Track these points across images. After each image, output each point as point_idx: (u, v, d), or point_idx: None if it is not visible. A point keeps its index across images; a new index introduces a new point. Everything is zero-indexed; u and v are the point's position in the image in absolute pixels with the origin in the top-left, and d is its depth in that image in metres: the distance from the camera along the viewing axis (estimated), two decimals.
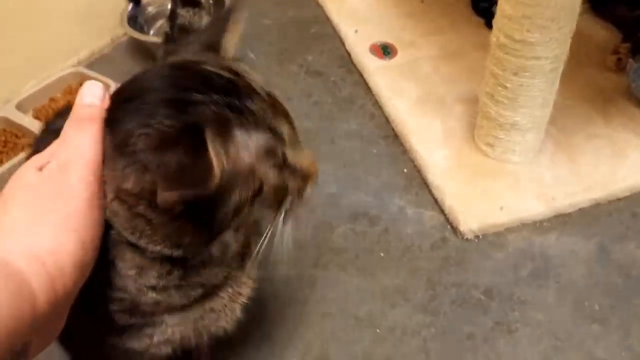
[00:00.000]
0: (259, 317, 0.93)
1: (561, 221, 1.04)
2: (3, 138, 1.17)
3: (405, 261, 1.00)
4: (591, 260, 0.98)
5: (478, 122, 1.10)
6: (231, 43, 0.60)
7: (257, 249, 0.60)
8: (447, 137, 1.15)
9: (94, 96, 0.53)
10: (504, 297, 0.94)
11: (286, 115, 0.56)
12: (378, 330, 0.92)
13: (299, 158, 0.56)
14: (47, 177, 0.49)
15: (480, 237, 1.02)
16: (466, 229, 1.01)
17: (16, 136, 1.16)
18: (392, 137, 1.21)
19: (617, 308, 0.91)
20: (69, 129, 0.52)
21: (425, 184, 1.11)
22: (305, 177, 0.57)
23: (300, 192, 0.57)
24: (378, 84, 1.26)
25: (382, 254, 1.02)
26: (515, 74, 0.96)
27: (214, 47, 0.59)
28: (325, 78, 1.35)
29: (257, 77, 0.56)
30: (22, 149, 1.15)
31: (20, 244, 0.46)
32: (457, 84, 1.24)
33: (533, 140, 1.07)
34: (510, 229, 1.03)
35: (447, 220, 1.05)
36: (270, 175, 0.53)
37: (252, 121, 0.51)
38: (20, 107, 1.19)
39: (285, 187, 0.55)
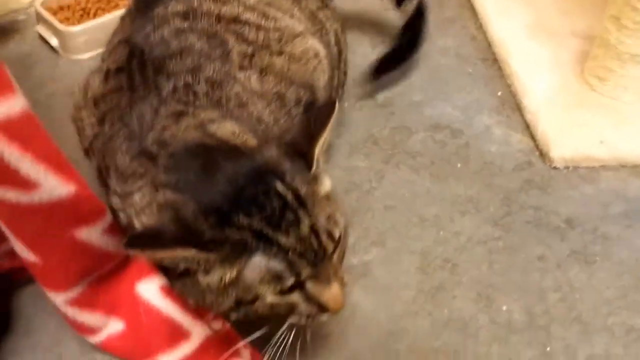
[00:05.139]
0: None
1: None
2: None
3: (483, 176, 0.93)
4: None
5: (592, 51, 1.01)
6: (320, 151, 0.59)
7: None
8: (553, 67, 1.06)
9: None
10: (587, 230, 0.86)
11: (317, 253, 0.56)
12: (442, 233, 0.86)
13: (321, 292, 0.58)
14: None
15: (571, 168, 0.93)
16: (557, 156, 0.93)
17: None
18: (491, 61, 1.13)
19: None
20: None
21: (518, 109, 1.03)
22: (322, 308, 0.59)
23: (311, 317, 0.60)
24: (486, 5, 1.18)
25: (459, 165, 0.95)
26: None
27: (299, 153, 0.58)
28: None
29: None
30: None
31: None
32: (574, 16, 1.14)
33: None
34: (606, 167, 0.93)
35: (537, 146, 0.97)
36: (267, 296, 0.56)
37: (275, 252, 0.54)
38: None
39: (290, 308, 0.59)
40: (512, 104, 1.04)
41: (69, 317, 0.68)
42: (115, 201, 0.63)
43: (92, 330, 0.70)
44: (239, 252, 0.54)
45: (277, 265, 0.54)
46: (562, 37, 1.12)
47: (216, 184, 0.55)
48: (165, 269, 0.62)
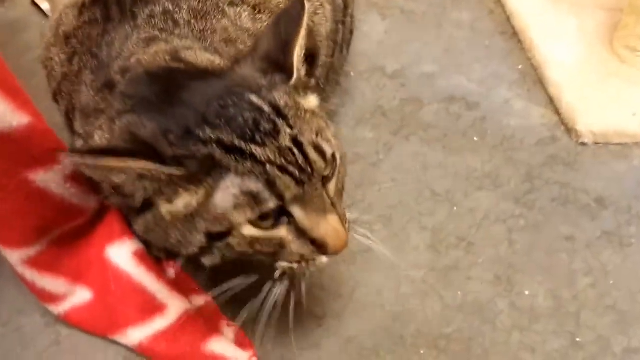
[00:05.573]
0: None
1: None
2: None
3: (502, 150, 0.84)
4: None
5: (623, 19, 0.92)
6: (299, 59, 0.50)
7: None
8: (578, 39, 0.97)
9: None
10: (620, 209, 0.76)
11: (304, 169, 0.47)
12: (455, 208, 0.77)
13: (316, 224, 0.48)
14: None
15: (600, 144, 0.84)
16: (585, 129, 0.84)
17: None
18: (510, 35, 1.04)
19: None
20: None
21: (540, 83, 0.94)
22: (319, 246, 0.49)
23: (305, 261, 0.50)
24: None
25: (475, 138, 0.86)
26: None
27: (276, 62, 0.50)
28: None
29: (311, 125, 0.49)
30: None
31: None
32: None
33: None
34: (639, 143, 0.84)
35: (562, 120, 0.88)
36: (244, 225, 0.47)
37: (249, 168, 0.45)
38: None
39: (279, 247, 0.49)
40: (533, 78, 0.95)
41: (27, 280, 0.59)
42: (79, 144, 0.54)
43: (55, 298, 0.61)
44: (206, 169, 0.45)
45: (252, 183, 0.45)
46: (587, 9, 1.03)
47: (179, 103, 0.46)
48: (130, 212, 0.53)
